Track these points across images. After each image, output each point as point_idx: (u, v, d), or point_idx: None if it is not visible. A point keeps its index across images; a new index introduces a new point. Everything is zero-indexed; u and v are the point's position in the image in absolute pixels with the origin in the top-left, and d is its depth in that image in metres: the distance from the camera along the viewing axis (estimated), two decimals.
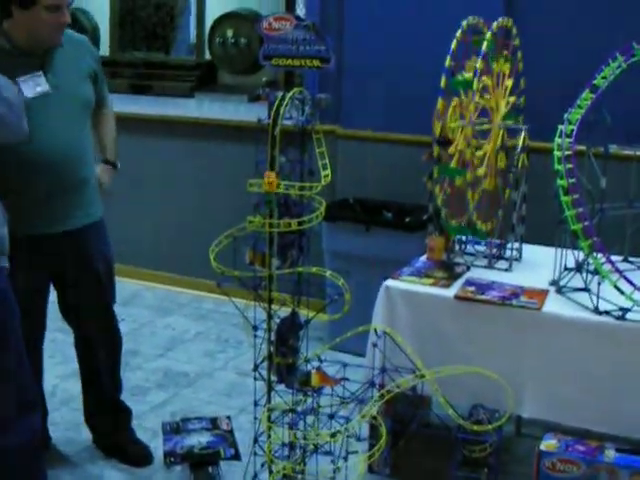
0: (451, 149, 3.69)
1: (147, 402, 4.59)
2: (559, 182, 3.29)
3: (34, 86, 3.44)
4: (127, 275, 5.88)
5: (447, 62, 3.78)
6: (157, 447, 3.93)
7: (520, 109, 4.00)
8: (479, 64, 3.62)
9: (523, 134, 3.82)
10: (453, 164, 3.70)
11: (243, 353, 5.19)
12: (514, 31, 3.96)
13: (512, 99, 3.85)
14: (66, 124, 3.55)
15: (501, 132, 3.80)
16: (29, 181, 3.49)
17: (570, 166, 3.30)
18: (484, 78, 3.68)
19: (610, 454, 3.22)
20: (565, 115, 3.45)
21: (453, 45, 3.79)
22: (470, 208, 3.75)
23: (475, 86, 3.61)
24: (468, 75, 3.71)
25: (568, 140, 3.36)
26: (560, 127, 3.40)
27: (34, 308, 3.71)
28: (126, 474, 3.92)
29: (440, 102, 3.76)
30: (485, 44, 3.65)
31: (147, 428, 4.25)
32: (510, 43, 3.95)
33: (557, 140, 3.37)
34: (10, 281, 3.23)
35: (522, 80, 4.01)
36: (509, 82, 3.84)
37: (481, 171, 3.69)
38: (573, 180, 3.29)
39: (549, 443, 3.28)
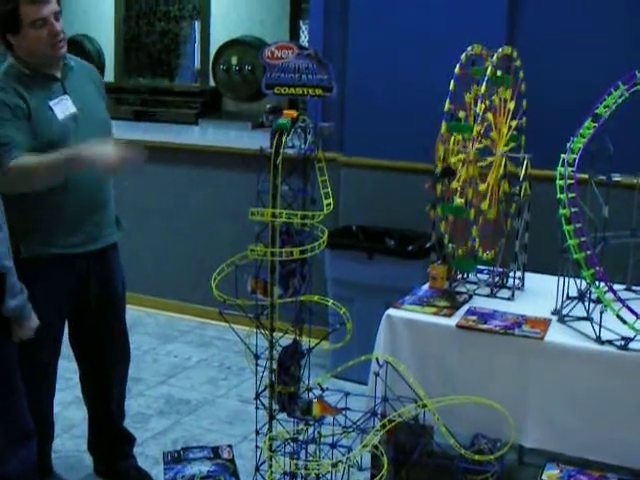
0: (454, 184, 3.68)
1: (149, 429, 4.58)
2: (561, 211, 3.29)
3: (64, 109, 3.50)
4: (129, 302, 5.79)
5: (446, 106, 3.78)
6: (158, 475, 3.92)
7: (522, 130, 3.99)
8: (479, 108, 3.63)
9: (525, 162, 3.83)
10: (456, 199, 3.69)
11: (245, 380, 5.18)
12: (515, 54, 3.97)
13: (514, 123, 3.85)
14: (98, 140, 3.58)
15: (503, 160, 3.80)
16: (61, 201, 3.52)
17: (572, 195, 3.30)
18: (486, 115, 3.69)
19: None
20: (568, 144, 3.45)
21: (451, 86, 3.78)
22: (476, 244, 3.75)
23: (475, 132, 3.62)
24: (469, 113, 3.73)
25: (570, 169, 3.36)
26: (563, 156, 3.41)
27: (53, 332, 3.73)
28: None
29: (440, 147, 3.77)
30: (484, 87, 3.65)
31: (148, 456, 4.25)
32: (512, 65, 3.95)
33: (560, 169, 3.37)
34: (34, 301, 3.28)
35: (524, 102, 4.00)
36: (511, 105, 3.84)
37: (484, 205, 3.69)
38: (575, 209, 3.29)
39: (551, 473, 3.27)
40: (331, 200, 3.13)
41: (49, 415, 3.96)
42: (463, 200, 3.66)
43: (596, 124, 3.47)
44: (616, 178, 3.75)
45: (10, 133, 3.37)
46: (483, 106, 3.62)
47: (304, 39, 6.60)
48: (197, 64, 7.61)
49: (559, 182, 3.34)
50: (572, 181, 3.32)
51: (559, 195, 3.32)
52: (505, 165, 3.83)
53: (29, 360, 3.68)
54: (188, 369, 5.47)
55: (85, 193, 3.58)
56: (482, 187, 3.67)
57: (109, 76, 7.50)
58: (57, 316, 3.72)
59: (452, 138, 3.77)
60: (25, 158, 3.36)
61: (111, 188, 3.76)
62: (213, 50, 7.15)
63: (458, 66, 3.80)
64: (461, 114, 3.81)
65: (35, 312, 3.53)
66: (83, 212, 3.60)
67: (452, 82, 3.79)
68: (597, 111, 3.48)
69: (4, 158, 3.35)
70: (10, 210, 3.49)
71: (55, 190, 3.47)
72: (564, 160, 3.40)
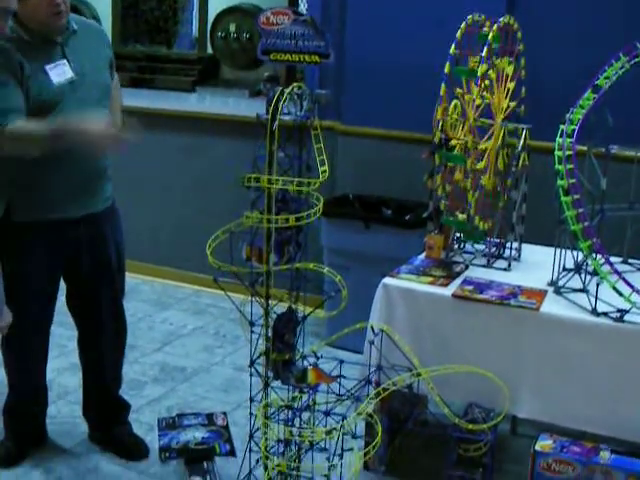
0: (453, 141, 3.67)
1: (144, 396, 4.58)
2: (559, 182, 3.28)
3: (61, 73, 3.47)
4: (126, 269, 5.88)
5: (452, 49, 3.77)
6: (153, 441, 3.93)
7: (520, 118, 3.97)
8: (484, 52, 3.61)
9: (524, 133, 3.81)
10: (457, 174, 3.69)
11: (240, 348, 5.18)
12: (519, 35, 3.94)
13: (513, 104, 3.83)
14: (91, 110, 3.55)
15: (502, 131, 3.79)
16: (56, 166, 3.50)
17: (571, 166, 3.29)
18: (489, 72, 3.67)
19: (605, 456, 3.22)
20: (567, 115, 3.44)
21: (458, 34, 3.78)
22: (471, 211, 3.74)
23: (480, 72, 3.60)
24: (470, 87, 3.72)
25: (569, 140, 3.35)
26: (562, 127, 3.40)
27: (46, 294, 3.73)
28: (122, 468, 3.92)
29: (439, 111, 3.75)
30: (491, 35, 3.64)
31: (143, 422, 4.25)
32: (515, 48, 3.92)
33: (558, 140, 3.36)
34: (26, 265, 3.26)
35: (524, 89, 3.98)
36: (511, 85, 3.82)
37: (482, 164, 3.67)
38: (573, 180, 3.28)
39: (544, 443, 3.28)
40: (327, 167, 3.12)
41: (42, 381, 3.97)
42: (462, 177, 3.66)
43: (596, 95, 3.45)
44: (615, 150, 3.74)
45: (8, 97, 3.35)
46: (488, 52, 3.61)
47: (303, 7, 6.56)
48: (195, 31, 7.57)
49: (557, 153, 3.33)
50: (571, 152, 3.31)
51: (557, 166, 3.31)
52: (504, 136, 3.81)
53: (21, 325, 3.68)
54: (183, 337, 5.47)
55: (82, 160, 3.55)
56: (481, 147, 3.67)
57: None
58: (49, 282, 3.72)
59: (452, 104, 3.76)
60: (16, 125, 3.33)
61: (107, 156, 3.73)
62: (211, 17, 7.10)
63: (464, 23, 3.78)
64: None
65: (27, 277, 3.54)
66: (79, 179, 3.58)
67: (453, 46, 3.78)
68: (597, 82, 3.47)
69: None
70: (3, 175, 3.49)
71: (51, 157, 3.45)
72: (563, 131, 3.39)
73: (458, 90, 3.81)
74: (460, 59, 3.84)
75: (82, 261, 3.72)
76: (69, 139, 3.34)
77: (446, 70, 3.78)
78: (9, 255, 3.52)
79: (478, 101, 3.64)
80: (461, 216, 3.80)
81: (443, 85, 3.78)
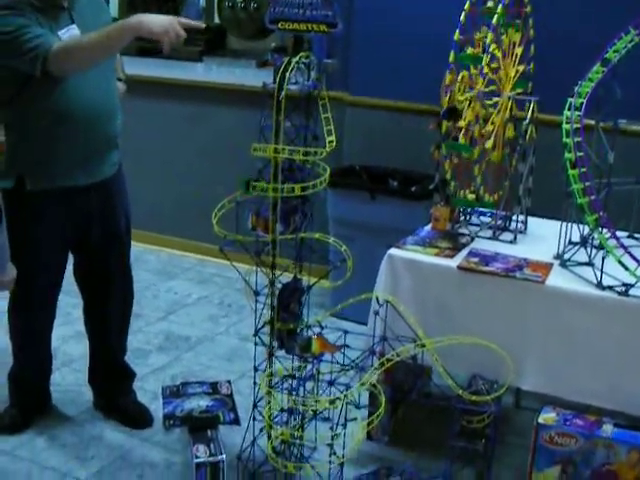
0: (460, 123, 3.65)
1: (148, 365, 4.60)
2: (567, 155, 3.27)
3: (72, 37, 3.44)
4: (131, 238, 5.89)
5: (456, 36, 3.75)
6: (157, 409, 3.94)
7: (529, 77, 3.95)
8: (489, 38, 3.59)
9: (532, 105, 3.79)
10: (461, 137, 3.67)
11: (245, 318, 5.19)
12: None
13: (521, 67, 3.81)
14: (102, 78, 3.56)
15: (510, 103, 3.77)
16: (67, 135, 3.50)
17: (578, 139, 3.28)
18: (493, 49, 3.65)
19: (608, 429, 3.23)
20: (575, 88, 3.42)
21: (462, 18, 3.75)
22: (478, 180, 3.73)
23: (484, 61, 3.59)
24: (477, 50, 3.69)
25: (577, 113, 3.34)
26: (570, 100, 3.38)
27: (56, 263, 3.75)
28: (126, 435, 3.93)
29: (448, 76, 3.73)
30: (495, 17, 3.62)
31: (147, 390, 4.26)
32: (522, 10, 3.89)
33: (566, 113, 3.35)
34: (38, 233, 3.29)
35: (533, 47, 3.95)
36: (519, 50, 3.80)
37: (489, 144, 3.66)
38: (581, 153, 3.27)
39: (547, 416, 3.29)
40: (334, 137, 3.12)
41: (48, 349, 3.99)
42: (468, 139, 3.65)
43: (605, 69, 3.43)
44: (623, 124, 3.72)
45: (32, 28, 3.30)
46: (493, 37, 3.59)
47: None
48: (202, 1, 7.53)
49: (565, 126, 3.32)
50: (578, 125, 3.30)
51: (565, 139, 3.30)
52: (511, 108, 3.80)
53: (29, 292, 3.70)
54: (188, 306, 5.48)
55: (93, 128, 3.55)
56: (488, 127, 3.65)
57: (113, 11, 7.40)
58: (59, 249, 3.73)
59: (460, 76, 3.74)
60: (66, 41, 3.33)
61: (120, 123, 3.73)
62: None
63: (468, 3, 3.76)
64: (469, 50, 3.77)
65: (38, 245, 3.55)
66: (90, 147, 3.57)
67: (463, 14, 3.76)
68: (606, 55, 3.45)
69: (41, 50, 3.27)
70: (16, 144, 3.48)
71: (63, 124, 3.46)
72: (571, 104, 3.37)
73: (464, 72, 3.78)
74: (465, 41, 3.80)
75: (93, 228, 3.72)
76: (132, 28, 3.26)
77: (451, 59, 3.75)
78: (21, 223, 3.54)
79: (486, 69, 3.62)
80: (470, 196, 3.79)
81: (452, 52, 3.75)
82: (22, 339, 3.90)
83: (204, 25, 3.39)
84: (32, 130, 3.46)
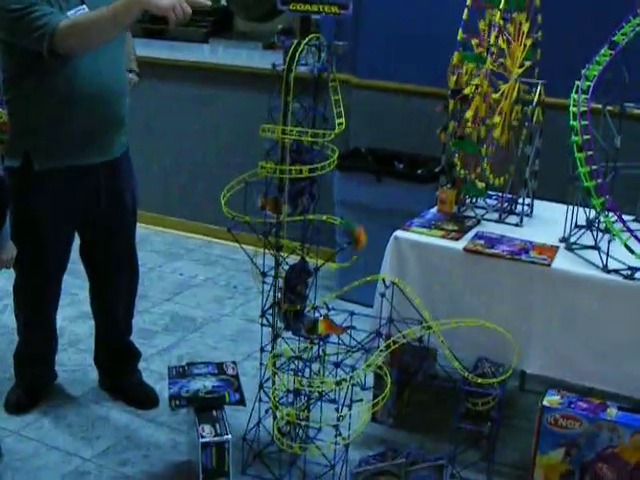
0: (467, 114, 3.65)
1: (154, 346, 4.61)
2: (573, 138, 3.27)
3: None
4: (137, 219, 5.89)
5: (459, 35, 3.73)
6: (162, 390, 3.96)
7: (538, 44, 3.93)
8: (492, 39, 3.58)
9: (539, 88, 3.79)
10: (469, 126, 3.67)
11: (251, 300, 5.20)
12: None
13: (529, 41, 3.80)
14: (110, 59, 3.55)
15: (517, 86, 3.77)
16: (74, 114, 3.49)
17: (585, 123, 3.28)
18: (499, 42, 3.65)
19: (612, 412, 3.23)
20: (582, 71, 3.42)
21: (465, 15, 3.74)
22: (484, 165, 3.73)
23: (488, 64, 3.59)
24: (479, 50, 3.69)
25: (584, 96, 3.33)
26: (577, 83, 3.38)
27: (62, 241, 3.75)
28: (131, 416, 3.95)
29: (455, 56, 3.73)
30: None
31: (153, 371, 4.28)
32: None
33: (573, 96, 3.34)
34: (45, 211, 3.32)
35: (539, 16, 3.93)
36: (526, 27, 3.78)
37: (496, 119, 3.65)
38: (588, 137, 3.27)
39: (552, 399, 3.30)
40: (343, 119, 3.12)
41: (53, 327, 3.99)
42: (474, 132, 3.65)
43: (612, 52, 3.43)
44: (630, 108, 3.72)
45: (39, 5, 3.28)
46: (500, 21, 3.59)
47: None
48: None
49: (572, 109, 3.32)
50: (585, 108, 3.30)
51: (572, 122, 3.29)
52: (518, 91, 3.80)
53: (35, 271, 3.71)
54: (194, 287, 5.49)
55: (102, 107, 3.54)
56: (496, 119, 3.65)
57: None
58: (65, 228, 3.73)
59: (464, 67, 3.73)
60: (73, 19, 3.31)
61: (126, 102, 3.74)
62: None
63: (465, 13, 3.75)
64: (474, 42, 3.76)
65: (45, 223, 3.55)
66: (97, 126, 3.57)
67: (465, 11, 3.74)
68: (614, 38, 3.45)
69: (47, 28, 3.25)
70: (24, 122, 3.48)
71: (72, 103, 3.46)
72: (578, 87, 3.37)
73: (474, 41, 3.77)
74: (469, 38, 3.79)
75: (99, 208, 3.72)
76: (139, 7, 3.22)
77: (455, 60, 3.73)
78: (28, 202, 3.55)
79: (494, 49, 3.62)
80: (480, 184, 3.79)
81: (460, 31, 3.74)
82: (27, 318, 3.91)
83: (210, 2, 3.37)
84: (40, 109, 3.46)
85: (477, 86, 3.61)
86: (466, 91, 3.65)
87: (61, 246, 3.75)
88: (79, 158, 3.57)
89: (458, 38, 3.73)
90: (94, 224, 3.77)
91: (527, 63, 3.80)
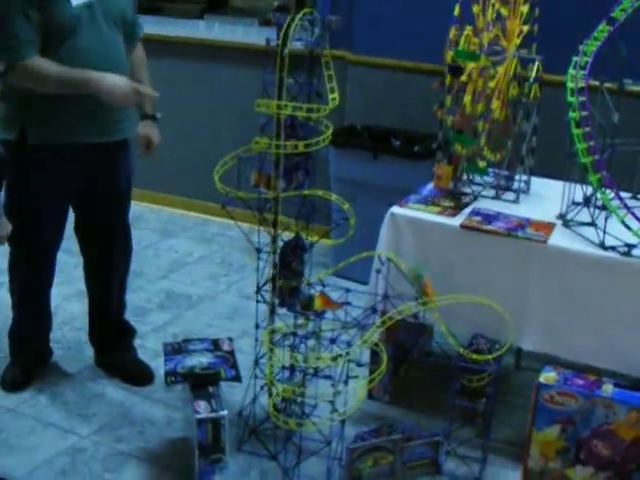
0: (463, 77, 3.64)
1: (149, 323, 4.61)
2: (571, 114, 3.26)
3: None
4: (132, 197, 5.87)
5: (456, 11, 3.70)
6: (158, 367, 3.96)
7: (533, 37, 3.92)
8: (485, 38, 3.56)
9: (537, 64, 3.77)
10: (467, 96, 3.65)
11: (246, 277, 5.20)
12: None
13: (526, 28, 3.78)
14: (112, 36, 3.56)
15: (514, 62, 3.74)
16: (79, 94, 3.46)
17: (583, 99, 3.26)
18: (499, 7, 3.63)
19: (608, 389, 3.23)
20: (580, 47, 3.40)
21: (456, 11, 3.71)
22: (481, 142, 3.72)
23: (483, 62, 3.58)
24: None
25: (582, 72, 3.31)
26: (574, 58, 3.36)
27: (57, 218, 3.74)
28: (127, 393, 3.95)
29: (452, 31, 3.70)
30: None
31: (148, 348, 4.27)
32: None
33: (571, 72, 3.33)
34: (39, 187, 3.41)
35: (537, 9, 3.92)
36: (525, 9, 3.76)
37: (494, 105, 3.64)
38: (585, 113, 3.25)
39: (548, 376, 3.29)
40: (337, 94, 3.10)
41: (47, 302, 3.99)
42: (470, 98, 3.63)
43: (611, 27, 3.41)
44: (628, 84, 3.70)
45: (19, 26, 3.32)
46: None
47: None
48: None
49: (570, 85, 3.30)
50: (583, 84, 3.28)
51: (569, 98, 3.28)
52: (516, 66, 3.77)
53: (29, 248, 3.70)
54: (189, 264, 5.48)
55: None
56: (491, 84, 3.63)
57: None
58: (60, 204, 3.72)
59: (462, 40, 3.71)
60: (42, 63, 3.36)
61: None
62: None
63: (457, 9, 3.73)
64: (467, 30, 3.74)
65: (38, 199, 3.54)
66: (95, 105, 3.52)
67: (457, 7, 3.72)
68: (613, 14, 3.42)
69: (13, 54, 3.34)
70: (20, 96, 3.45)
71: None
72: (576, 62, 3.35)
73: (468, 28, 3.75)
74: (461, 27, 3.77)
75: (94, 184, 3.71)
76: (94, 91, 3.39)
77: (448, 59, 3.71)
78: (23, 177, 3.54)
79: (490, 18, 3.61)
80: (482, 163, 3.78)
81: (457, 6, 3.72)
82: (22, 295, 3.90)
83: (157, 94, 3.56)
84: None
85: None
86: (462, 78, 3.64)
87: (55, 222, 3.74)
88: (74, 136, 3.55)
89: (455, 14, 3.71)
90: (88, 200, 3.76)
91: (525, 27, 3.78)
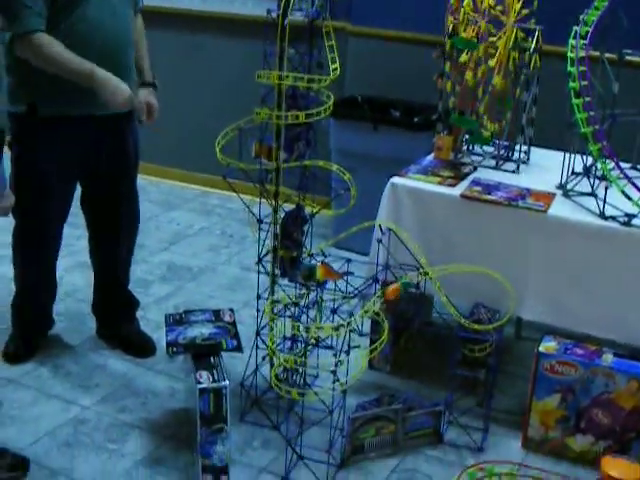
0: (462, 57, 3.62)
1: (150, 295, 4.62)
2: (571, 84, 3.25)
3: None
4: None
5: (448, 21, 3.70)
6: (160, 339, 3.96)
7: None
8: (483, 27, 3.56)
9: (537, 34, 3.76)
10: (468, 72, 3.65)
11: (247, 249, 5.21)
12: None
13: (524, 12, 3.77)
14: (121, 9, 3.56)
15: (515, 31, 3.73)
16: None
17: (583, 68, 3.26)
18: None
19: (608, 358, 3.25)
20: (581, 16, 3.39)
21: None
22: (480, 110, 3.71)
23: (482, 52, 3.57)
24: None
25: (582, 42, 3.30)
26: (575, 28, 3.35)
27: (65, 189, 3.74)
28: (129, 364, 3.97)
29: None
30: None
31: (150, 320, 4.28)
32: None
33: (571, 41, 3.32)
34: (48, 159, 3.45)
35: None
36: None
37: (496, 80, 3.63)
38: (585, 83, 3.25)
39: (548, 345, 3.31)
40: (338, 65, 3.10)
41: (53, 274, 3.99)
42: (472, 75, 3.63)
43: None
44: (628, 54, 3.69)
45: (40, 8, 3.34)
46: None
47: None
48: None
49: (570, 54, 3.29)
50: (583, 54, 3.27)
51: (569, 68, 3.27)
52: (516, 36, 3.76)
53: (37, 220, 3.69)
54: (190, 237, 5.49)
55: (109, 57, 3.50)
56: (492, 62, 3.63)
57: None
58: (68, 178, 3.72)
59: (462, 10, 3.70)
60: (49, 41, 3.35)
61: (133, 54, 3.71)
62: None
63: None
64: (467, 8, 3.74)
65: (47, 172, 3.53)
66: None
67: (450, 19, 3.72)
68: None
69: (20, 25, 3.33)
70: (29, 68, 3.44)
71: (79, 50, 3.40)
72: (576, 32, 3.34)
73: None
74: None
75: (103, 157, 3.71)
76: (96, 89, 3.40)
77: (447, 47, 3.72)
78: (32, 150, 3.54)
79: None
80: (486, 133, 3.78)
81: (446, 38, 3.72)
82: (28, 267, 3.89)
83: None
84: None
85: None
86: (462, 59, 3.64)
87: (63, 195, 3.74)
88: (83, 108, 3.54)
89: (447, 22, 3.71)
90: (97, 174, 3.76)
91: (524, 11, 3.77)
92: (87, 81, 3.39)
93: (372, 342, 3.32)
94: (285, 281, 3.41)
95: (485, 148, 3.96)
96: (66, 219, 3.84)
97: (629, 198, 3.24)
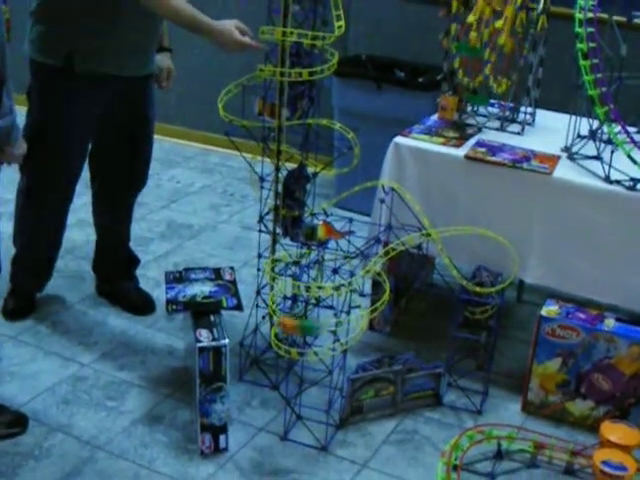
0: (470, 18, 3.57)
1: (150, 252, 4.60)
2: (579, 45, 3.21)
3: None
4: None
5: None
6: (159, 297, 3.96)
7: None
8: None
9: None
10: (472, 33, 3.60)
11: (248, 207, 5.19)
12: None
13: None
14: None
15: None
16: (119, 22, 3.43)
17: (591, 30, 3.21)
18: None
19: (610, 323, 3.24)
20: None
21: None
22: (486, 71, 3.67)
23: (487, 56, 3.53)
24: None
25: (591, 2, 3.26)
26: None
27: (85, 143, 3.73)
28: (129, 321, 3.96)
29: None
30: None
31: (150, 278, 4.27)
32: None
33: (580, 2, 3.27)
34: (73, 116, 3.46)
35: None
36: None
37: (498, 24, 3.58)
38: (593, 44, 3.21)
39: (550, 309, 3.30)
40: (343, 22, 3.06)
41: (62, 231, 3.94)
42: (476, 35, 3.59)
43: None
44: (637, 17, 3.65)
45: None
46: None
47: None
48: None
49: (578, 15, 3.24)
50: (592, 15, 3.23)
51: (577, 29, 3.23)
52: None
53: (54, 174, 3.65)
54: (190, 194, 5.46)
55: (145, 18, 3.47)
56: (499, 24, 3.58)
57: None
58: (87, 133, 3.69)
59: None
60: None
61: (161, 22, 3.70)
62: None
63: None
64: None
65: (72, 128, 3.50)
66: (138, 36, 3.51)
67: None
68: None
69: None
70: (66, 24, 3.39)
71: (118, 11, 3.40)
72: None
73: None
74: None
75: (123, 116, 3.70)
76: (210, 37, 3.47)
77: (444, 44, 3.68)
78: (61, 105, 3.51)
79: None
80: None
81: (444, 37, 3.68)
82: (37, 222, 3.83)
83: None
84: (83, 12, 3.39)
85: None
86: (469, 19, 3.59)
87: (81, 151, 3.73)
88: (118, 68, 3.52)
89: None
90: (114, 131, 3.74)
91: None
92: (203, 31, 3.48)
93: (373, 303, 3.31)
94: (286, 240, 3.39)
95: (490, 109, 3.92)
96: (80, 175, 3.78)
97: (635, 162, 3.22)
